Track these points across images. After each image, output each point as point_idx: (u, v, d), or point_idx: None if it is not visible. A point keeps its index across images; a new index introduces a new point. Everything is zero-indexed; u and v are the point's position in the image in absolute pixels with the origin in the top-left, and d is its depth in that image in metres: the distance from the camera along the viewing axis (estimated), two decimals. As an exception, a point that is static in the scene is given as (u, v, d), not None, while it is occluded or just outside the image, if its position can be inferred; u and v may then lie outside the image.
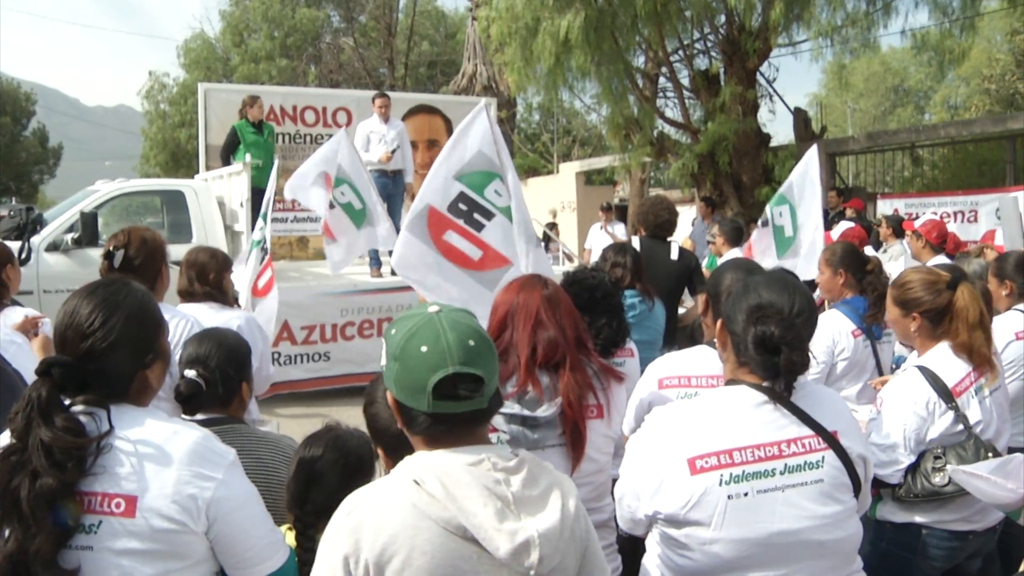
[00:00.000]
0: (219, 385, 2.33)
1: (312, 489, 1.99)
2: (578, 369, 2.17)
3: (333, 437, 2.04)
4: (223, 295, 3.76)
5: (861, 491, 1.84)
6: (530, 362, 2.13)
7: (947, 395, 2.54)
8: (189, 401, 2.33)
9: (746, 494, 1.71)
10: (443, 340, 1.37)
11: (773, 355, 1.75)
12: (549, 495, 1.42)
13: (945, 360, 2.61)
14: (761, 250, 5.46)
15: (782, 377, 1.76)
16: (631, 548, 2.49)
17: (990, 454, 2.47)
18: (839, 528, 1.78)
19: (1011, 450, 3.06)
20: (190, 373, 2.33)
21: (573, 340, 2.20)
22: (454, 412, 1.38)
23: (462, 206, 3.91)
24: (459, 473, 1.35)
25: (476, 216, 3.93)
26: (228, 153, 8.59)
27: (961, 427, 2.53)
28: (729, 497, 1.71)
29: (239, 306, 4.00)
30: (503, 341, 2.19)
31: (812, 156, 4.51)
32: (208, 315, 3.49)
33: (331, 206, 6.69)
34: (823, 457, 1.77)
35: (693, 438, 1.76)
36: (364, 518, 1.35)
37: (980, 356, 2.57)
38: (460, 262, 3.95)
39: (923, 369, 2.60)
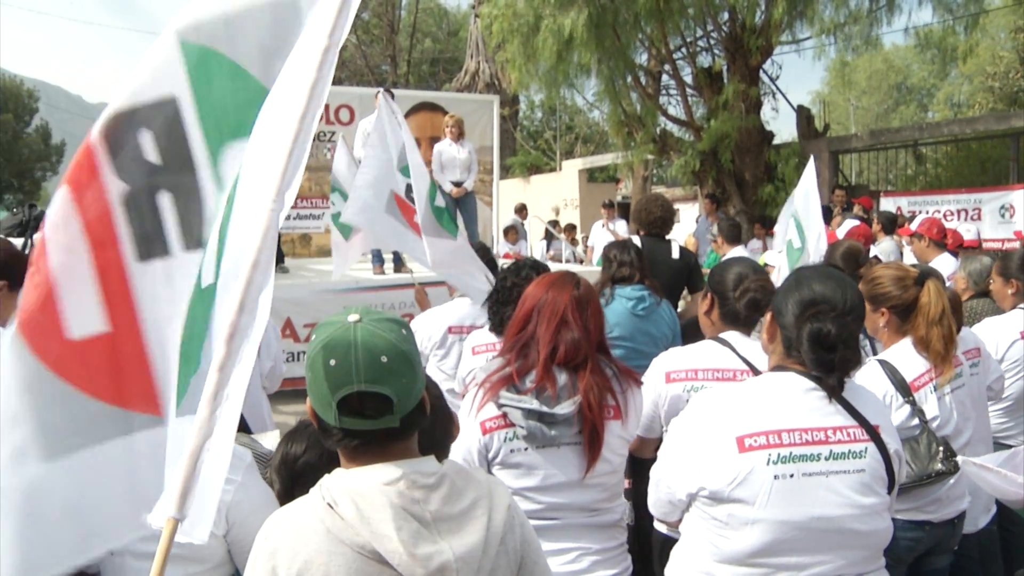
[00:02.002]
0: None
1: (297, 485, 1.97)
2: (597, 371, 2.16)
3: (312, 431, 2.02)
4: None
5: (894, 488, 1.85)
6: (548, 360, 2.12)
7: (905, 389, 2.56)
8: None
9: (792, 475, 1.72)
10: (352, 355, 1.29)
11: (828, 352, 1.75)
12: (474, 511, 1.38)
13: (906, 355, 2.63)
14: (778, 268, 5.48)
15: (836, 374, 1.77)
16: (640, 548, 2.48)
17: (941, 448, 2.49)
18: (874, 520, 1.79)
19: (999, 446, 3.05)
20: None
21: (596, 342, 2.19)
22: (363, 429, 1.34)
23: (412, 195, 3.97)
24: (373, 494, 1.31)
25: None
26: None
27: (917, 421, 2.54)
28: (775, 477, 1.71)
29: None
30: (526, 334, 2.19)
31: (811, 169, 4.55)
32: None
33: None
34: (866, 448, 1.78)
35: (742, 417, 1.76)
36: (280, 543, 1.32)
37: (935, 353, 2.58)
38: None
39: (883, 363, 2.62)
